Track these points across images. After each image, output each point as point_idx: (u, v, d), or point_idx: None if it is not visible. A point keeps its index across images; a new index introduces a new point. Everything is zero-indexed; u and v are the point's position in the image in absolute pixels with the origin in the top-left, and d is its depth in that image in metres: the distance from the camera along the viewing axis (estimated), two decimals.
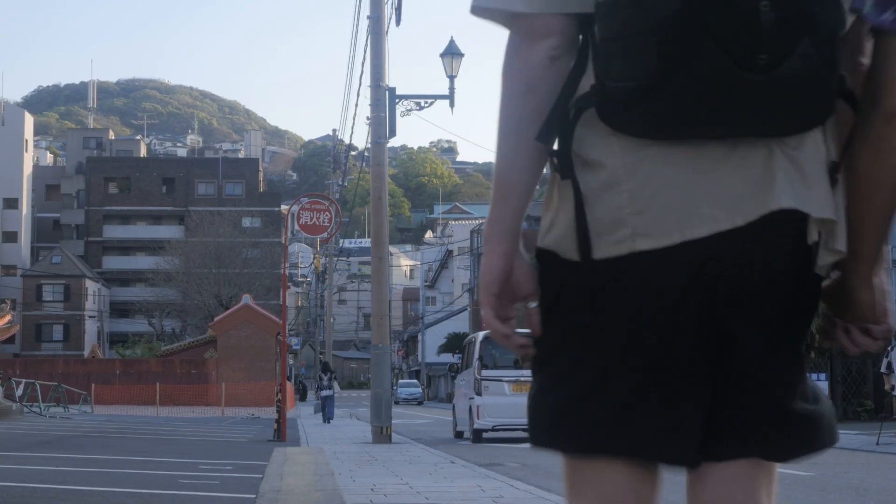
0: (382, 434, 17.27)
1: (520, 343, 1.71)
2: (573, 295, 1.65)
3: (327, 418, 29.57)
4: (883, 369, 17.62)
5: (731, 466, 1.71)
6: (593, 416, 1.64)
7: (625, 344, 1.63)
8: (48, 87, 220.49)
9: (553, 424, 1.69)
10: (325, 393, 30.83)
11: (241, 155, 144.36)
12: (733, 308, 1.63)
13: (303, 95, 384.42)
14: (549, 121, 1.63)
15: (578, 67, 1.65)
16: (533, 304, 1.72)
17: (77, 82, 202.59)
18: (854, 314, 1.76)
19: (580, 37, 1.67)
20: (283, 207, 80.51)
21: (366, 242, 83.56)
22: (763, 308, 1.64)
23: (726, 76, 1.50)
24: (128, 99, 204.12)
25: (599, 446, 1.66)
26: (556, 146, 1.65)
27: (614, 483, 1.69)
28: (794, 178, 1.61)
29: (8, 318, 43.62)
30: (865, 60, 1.70)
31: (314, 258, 73.26)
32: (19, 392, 35.05)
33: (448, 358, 58.14)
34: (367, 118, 19.15)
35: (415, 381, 74.27)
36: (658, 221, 1.58)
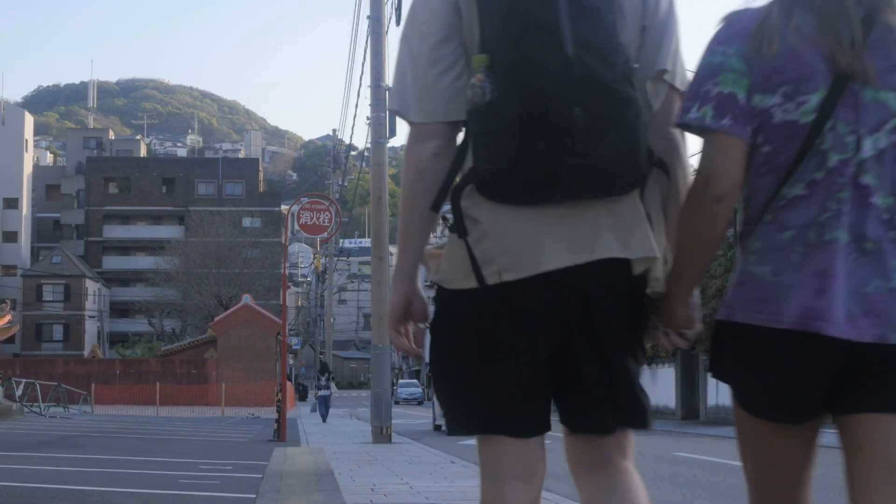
0: (382, 434, 17.28)
1: (409, 349, 2.49)
2: (454, 309, 2.32)
3: (324, 417, 30.50)
4: None
5: (611, 445, 2.41)
6: (467, 402, 2.34)
7: (492, 349, 2.27)
8: (48, 86, 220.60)
9: (452, 411, 2.41)
10: (322, 393, 31.76)
11: (241, 155, 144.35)
12: (578, 323, 2.26)
13: (303, 95, 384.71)
14: (437, 197, 2.33)
15: (461, 154, 2.32)
16: (423, 326, 2.46)
17: (77, 82, 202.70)
18: (672, 322, 2.37)
19: (463, 132, 2.32)
20: (283, 207, 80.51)
21: (366, 242, 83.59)
22: (601, 323, 2.27)
23: (555, 160, 2.14)
24: (128, 99, 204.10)
25: (483, 424, 2.34)
26: (450, 209, 2.30)
27: (512, 451, 2.34)
28: (616, 228, 2.25)
29: (8, 318, 43.62)
30: (675, 131, 2.33)
31: (314, 258, 73.29)
32: (19, 392, 35.06)
33: None
34: (368, 118, 19.16)
35: (415, 380, 74.26)
36: (516, 261, 2.23)
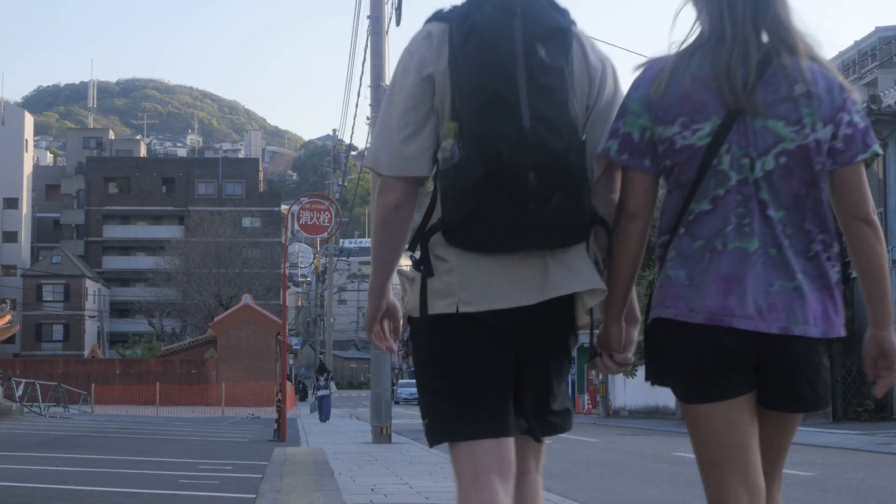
0: (382, 434, 17.28)
1: (385, 345, 2.86)
2: (429, 334, 2.70)
3: (324, 417, 30.80)
4: None
5: (520, 442, 2.76)
6: (456, 406, 2.67)
7: (469, 361, 2.65)
8: (48, 86, 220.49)
9: (435, 422, 2.73)
10: (321, 393, 32.14)
11: (241, 155, 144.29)
12: (524, 348, 2.68)
13: (303, 95, 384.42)
14: (413, 239, 2.71)
15: (432, 206, 2.69)
16: (398, 323, 2.86)
17: (77, 82, 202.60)
18: (608, 344, 2.72)
19: (433, 186, 2.68)
20: (283, 207, 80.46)
21: (366, 242, 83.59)
22: (545, 347, 2.71)
23: (512, 216, 2.53)
24: (128, 99, 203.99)
25: (463, 430, 2.65)
26: (419, 251, 2.71)
27: (486, 451, 2.64)
28: (564, 271, 2.65)
29: (8, 317, 43.62)
30: (615, 196, 2.73)
31: (314, 258, 73.27)
32: (19, 392, 35.05)
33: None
34: (367, 118, 19.15)
35: (415, 380, 74.21)
36: (474, 297, 2.63)
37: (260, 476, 10.63)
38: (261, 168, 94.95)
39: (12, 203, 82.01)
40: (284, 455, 13.96)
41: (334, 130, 54.06)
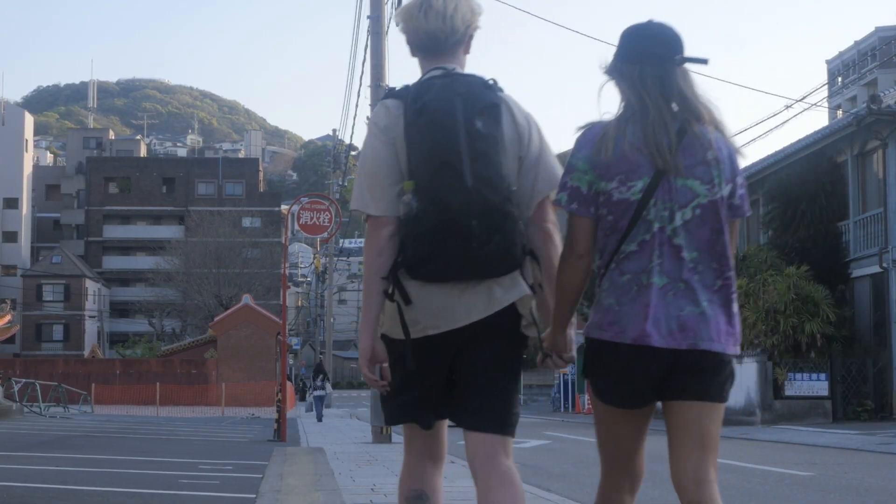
0: (382, 434, 17.28)
1: (379, 384, 3.41)
2: (395, 353, 3.36)
3: (319, 417, 31.66)
4: None
5: (481, 437, 3.39)
6: (400, 401, 3.41)
7: (414, 373, 3.31)
8: (48, 86, 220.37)
9: (387, 409, 3.49)
10: (317, 393, 33.06)
11: (241, 155, 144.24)
12: (474, 355, 3.34)
13: (303, 95, 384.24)
14: (388, 273, 3.29)
15: (400, 246, 3.28)
16: (385, 365, 3.39)
17: (77, 82, 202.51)
18: (555, 347, 3.37)
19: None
20: (283, 207, 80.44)
21: None
22: (493, 353, 3.35)
23: (460, 254, 3.18)
24: (128, 99, 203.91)
25: (395, 418, 3.47)
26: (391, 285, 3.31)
27: (420, 436, 3.49)
28: (502, 291, 3.29)
29: (8, 317, 43.62)
30: (548, 225, 3.39)
31: (314, 258, 73.26)
32: (17, 387, 35.05)
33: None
34: (367, 118, 19.13)
35: None
36: (435, 320, 3.28)
37: (260, 476, 10.63)
38: (261, 168, 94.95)
39: (12, 203, 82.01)
40: (284, 455, 13.97)
41: (334, 130, 54.07)
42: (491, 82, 3.38)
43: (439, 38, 3.43)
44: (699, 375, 3.17)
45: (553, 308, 3.31)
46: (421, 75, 3.44)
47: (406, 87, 3.37)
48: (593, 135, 3.20)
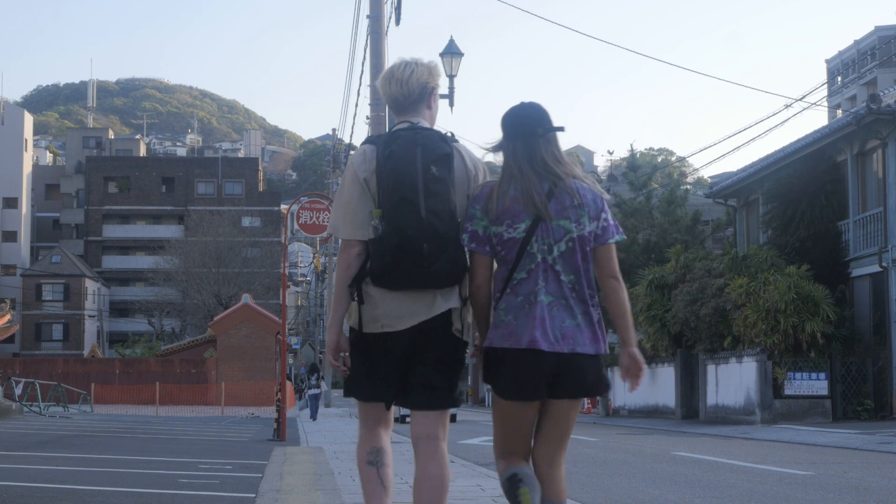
0: None
1: (340, 369, 4.34)
2: (357, 343, 4.31)
3: (313, 415, 32.10)
4: None
5: (429, 420, 4.30)
6: (361, 385, 4.33)
7: (375, 361, 4.27)
8: (48, 86, 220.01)
9: (350, 388, 4.38)
10: (312, 392, 33.44)
11: (241, 154, 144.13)
12: (431, 346, 4.23)
13: (302, 95, 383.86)
14: (353, 281, 4.23)
15: (366, 260, 4.22)
16: (345, 354, 4.36)
17: (77, 81, 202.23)
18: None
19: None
20: (283, 207, 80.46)
21: None
22: (434, 350, 4.24)
23: (414, 269, 4.08)
24: (127, 98, 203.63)
25: (362, 397, 4.35)
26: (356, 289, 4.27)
27: (373, 410, 4.38)
28: (443, 300, 4.20)
29: (7, 317, 43.58)
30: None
31: (314, 257, 73.22)
32: (18, 391, 35.04)
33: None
34: (367, 117, 19.16)
35: None
36: (392, 320, 4.18)
37: (260, 475, 10.63)
38: (260, 167, 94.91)
39: (12, 203, 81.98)
40: (284, 454, 13.96)
41: (334, 130, 54.00)
42: (448, 134, 4.34)
43: (400, 100, 4.42)
44: (579, 374, 4.17)
45: (473, 315, 4.35)
46: (392, 126, 4.42)
47: (380, 136, 4.34)
48: (486, 191, 4.25)
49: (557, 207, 4.17)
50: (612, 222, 4.28)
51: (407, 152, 4.18)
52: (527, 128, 4.26)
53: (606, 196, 4.39)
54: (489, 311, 4.23)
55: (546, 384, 4.13)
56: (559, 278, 4.15)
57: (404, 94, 4.38)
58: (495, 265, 4.26)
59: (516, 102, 4.37)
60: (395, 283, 4.16)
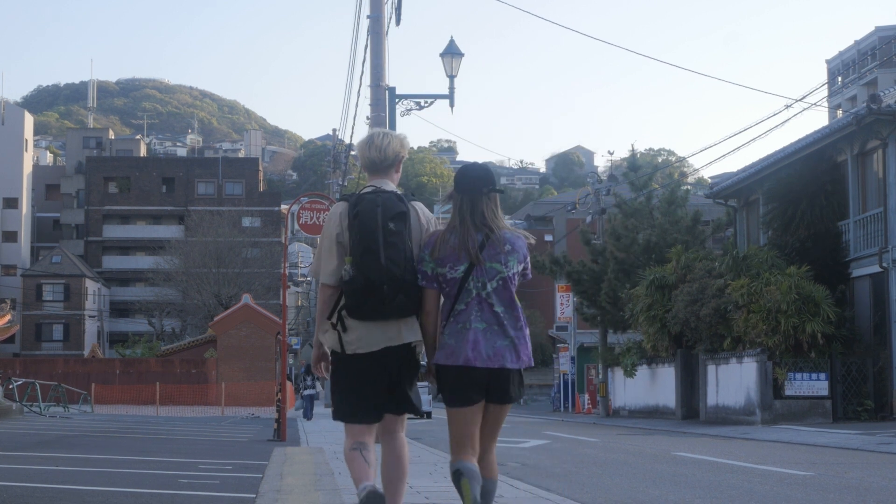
0: None
1: (322, 373, 5.51)
2: (336, 363, 5.39)
3: (308, 416, 32.56)
4: None
5: (395, 421, 5.42)
6: (346, 402, 5.37)
7: (354, 380, 5.34)
8: (48, 86, 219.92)
9: (337, 413, 5.42)
10: (308, 392, 33.89)
11: (241, 154, 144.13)
12: (395, 369, 5.31)
13: (303, 95, 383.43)
14: (331, 313, 5.34)
15: (340, 298, 5.29)
16: (325, 363, 5.46)
17: (77, 82, 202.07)
18: (429, 369, 5.37)
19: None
20: (283, 207, 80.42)
21: None
22: (402, 367, 5.32)
23: (377, 305, 5.17)
24: (127, 98, 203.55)
25: (348, 419, 5.35)
26: (335, 317, 5.36)
27: (357, 430, 5.33)
28: (407, 329, 5.30)
29: (8, 317, 43.59)
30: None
31: (314, 257, 73.10)
32: (15, 384, 35.02)
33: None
34: (367, 118, 19.13)
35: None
36: (364, 344, 5.27)
37: (260, 476, 10.63)
38: (260, 168, 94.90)
39: (12, 203, 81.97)
40: (284, 455, 13.96)
41: (334, 130, 54.00)
42: (404, 195, 5.37)
43: (376, 163, 5.48)
44: (506, 385, 5.23)
45: (424, 339, 5.38)
46: (364, 186, 5.47)
47: (352, 195, 5.38)
48: (433, 240, 5.28)
49: (490, 253, 5.21)
50: (529, 265, 5.40)
51: (370, 212, 5.22)
52: (474, 186, 5.29)
53: (532, 240, 5.45)
54: (436, 334, 5.29)
55: (481, 392, 5.20)
56: (493, 309, 5.20)
57: (381, 158, 5.46)
58: (443, 298, 5.29)
59: (470, 162, 5.54)
60: (365, 315, 5.21)
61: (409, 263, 5.16)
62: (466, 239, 5.16)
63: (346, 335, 5.26)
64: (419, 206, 5.42)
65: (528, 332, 5.30)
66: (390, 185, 5.44)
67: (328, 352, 5.41)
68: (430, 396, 30.14)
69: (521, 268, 5.28)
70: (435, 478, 10.21)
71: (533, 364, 5.33)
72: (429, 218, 5.44)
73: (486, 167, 5.37)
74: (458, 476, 5.17)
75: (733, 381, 25.22)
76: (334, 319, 5.29)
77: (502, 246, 5.21)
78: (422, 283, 5.21)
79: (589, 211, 41.77)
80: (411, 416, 5.58)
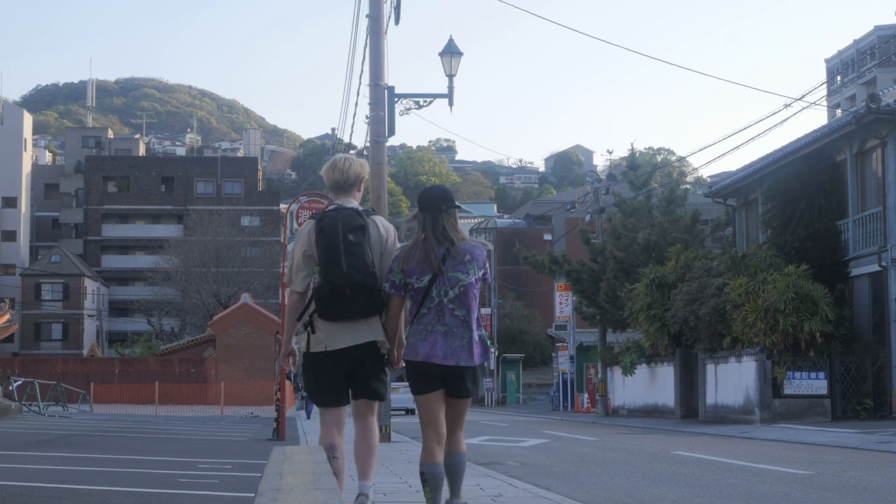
0: (382, 433, 17.27)
1: (290, 367, 6.56)
2: (310, 359, 6.24)
3: (308, 415, 32.75)
4: None
5: (365, 406, 6.35)
6: (317, 393, 6.33)
7: (325, 374, 6.24)
8: (47, 85, 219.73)
9: (312, 397, 6.38)
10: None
11: (240, 154, 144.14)
12: (360, 363, 6.18)
13: (302, 94, 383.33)
14: (301, 315, 6.24)
15: (310, 302, 6.18)
16: (294, 358, 6.47)
17: (76, 81, 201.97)
18: (393, 358, 6.33)
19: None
20: (282, 206, 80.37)
21: None
22: (368, 361, 6.19)
23: (342, 307, 6.03)
24: (126, 98, 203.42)
25: (321, 403, 6.34)
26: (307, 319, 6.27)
27: (331, 414, 6.33)
28: (371, 328, 6.17)
29: (7, 316, 43.58)
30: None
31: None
32: (15, 384, 35.01)
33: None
34: (366, 117, 19.13)
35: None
36: (331, 342, 6.13)
37: (259, 475, 10.61)
38: (259, 167, 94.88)
39: (11, 202, 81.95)
40: (284, 454, 13.92)
41: (333, 129, 53.95)
42: (364, 210, 6.17)
43: (340, 184, 6.31)
44: (462, 380, 6.04)
45: (388, 336, 6.21)
46: (329, 203, 6.34)
47: (317, 213, 6.22)
48: (401, 254, 6.05)
49: (452, 263, 5.98)
50: (488, 270, 6.19)
51: (332, 227, 6.02)
52: (435, 204, 6.07)
53: (489, 247, 6.28)
54: (397, 335, 6.19)
55: (440, 383, 6.04)
56: (454, 313, 5.99)
57: (343, 179, 6.28)
58: (408, 303, 6.12)
59: (429, 185, 6.43)
60: (332, 316, 6.02)
61: (368, 269, 5.96)
62: (430, 253, 5.93)
63: (316, 335, 6.07)
64: (379, 219, 6.23)
65: (483, 333, 6.11)
66: (352, 203, 6.23)
67: (295, 349, 6.33)
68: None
69: (481, 273, 6.05)
70: None
71: (486, 361, 6.20)
72: (387, 228, 6.22)
73: (444, 188, 6.27)
74: (423, 479, 6.08)
75: (732, 380, 25.22)
76: (305, 320, 6.14)
77: (462, 256, 5.97)
78: (390, 291, 6.02)
79: (588, 210, 41.77)
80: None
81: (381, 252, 6.10)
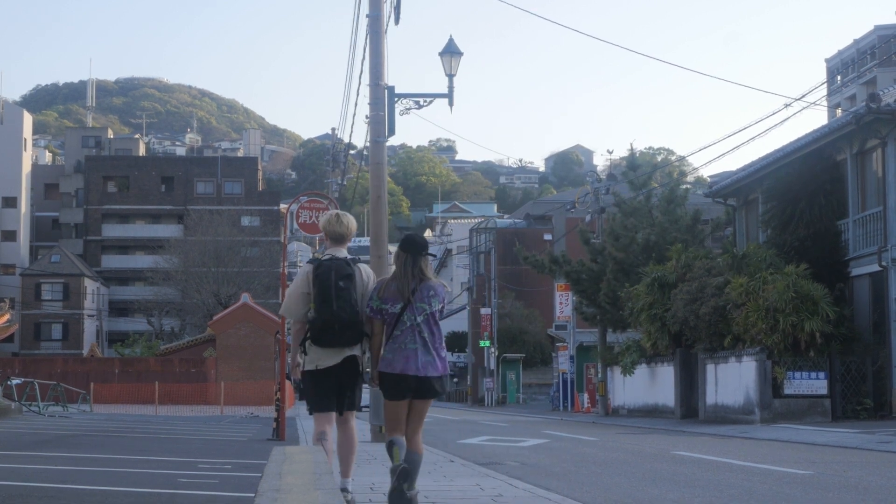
0: (381, 433, 17.25)
1: (297, 376, 8.04)
2: (308, 375, 7.82)
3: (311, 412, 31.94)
4: None
5: (346, 415, 7.87)
6: (311, 401, 7.86)
7: (320, 387, 7.80)
8: (47, 85, 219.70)
9: (310, 406, 7.88)
10: None
11: (240, 154, 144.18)
12: (344, 376, 7.74)
13: (302, 94, 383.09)
14: (301, 342, 7.78)
15: (307, 333, 7.77)
16: (300, 369, 7.97)
17: (76, 81, 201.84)
18: (374, 373, 7.71)
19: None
20: (282, 206, 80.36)
21: (365, 241, 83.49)
22: (347, 375, 7.75)
23: (332, 338, 7.60)
24: (126, 98, 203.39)
25: (317, 410, 7.85)
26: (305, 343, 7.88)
27: (322, 415, 7.84)
28: (350, 350, 7.68)
29: (7, 316, 43.57)
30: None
31: (313, 257, 72.98)
32: (13, 382, 34.99)
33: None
34: (366, 117, 19.12)
35: None
36: (322, 362, 7.70)
37: (259, 475, 10.61)
38: (259, 167, 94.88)
39: (11, 202, 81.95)
40: (283, 454, 13.92)
41: (333, 129, 53.92)
42: (350, 259, 7.61)
43: (340, 235, 7.75)
44: (429, 387, 7.33)
45: (371, 356, 7.60)
46: (324, 252, 7.80)
47: (316, 259, 7.67)
48: (380, 284, 7.44)
49: (420, 296, 7.33)
50: (446, 303, 7.58)
51: (326, 274, 7.47)
52: (417, 249, 7.42)
53: (448, 288, 7.91)
54: (380, 352, 7.44)
55: (409, 392, 7.33)
56: (422, 335, 7.33)
57: (343, 233, 7.74)
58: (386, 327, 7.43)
59: (411, 233, 8.01)
60: (323, 344, 7.49)
61: (353, 309, 7.45)
62: (404, 286, 7.33)
63: (309, 356, 7.61)
64: (363, 267, 7.74)
65: (446, 352, 7.56)
66: (343, 253, 7.69)
67: (298, 361, 7.84)
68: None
69: (440, 306, 7.45)
70: (434, 477, 10.22)
71: (448, 373, 7.57)
72: (368, 274, 7.74)
73: (423, 238, 7.76)
74: (390, 445, 7.31)
75: (732, 379, 25.22)
76: (306, 346, 7.61)
77: (428, 291, 7.39)
78: (371, 314, 7.44)
79: (588, 210, 41.76)
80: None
81: (363, 293, 7.57)
